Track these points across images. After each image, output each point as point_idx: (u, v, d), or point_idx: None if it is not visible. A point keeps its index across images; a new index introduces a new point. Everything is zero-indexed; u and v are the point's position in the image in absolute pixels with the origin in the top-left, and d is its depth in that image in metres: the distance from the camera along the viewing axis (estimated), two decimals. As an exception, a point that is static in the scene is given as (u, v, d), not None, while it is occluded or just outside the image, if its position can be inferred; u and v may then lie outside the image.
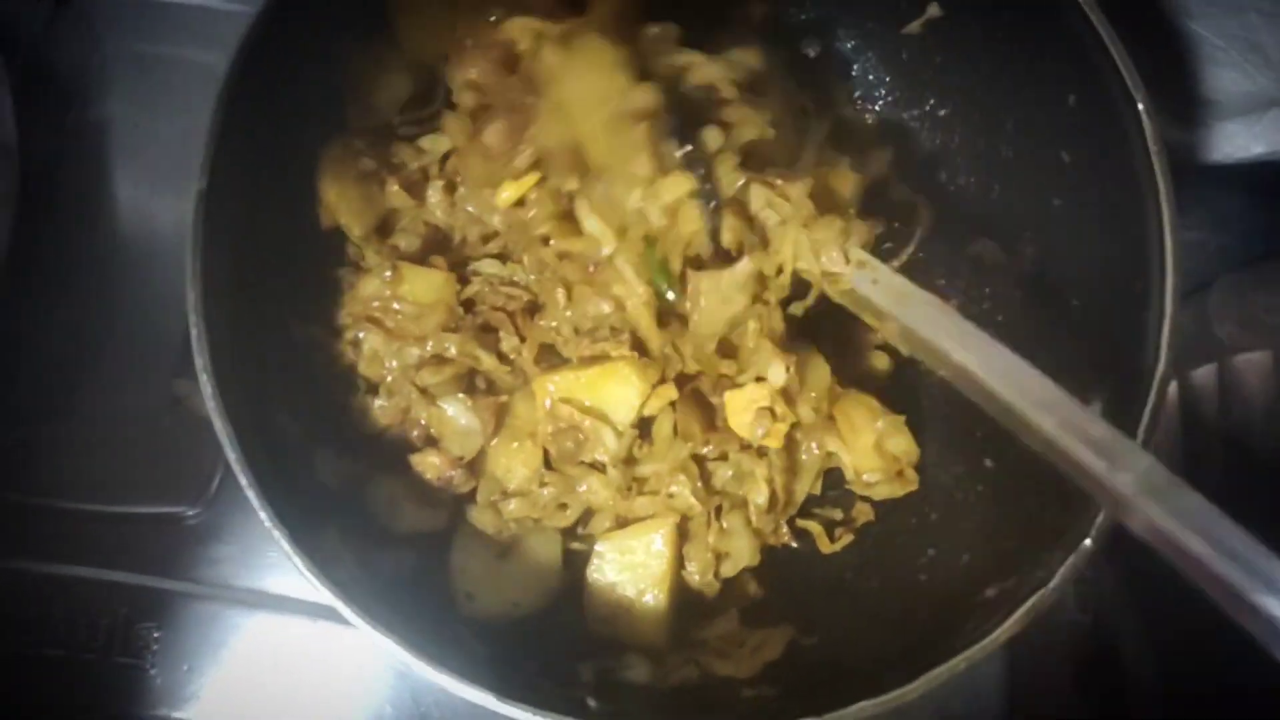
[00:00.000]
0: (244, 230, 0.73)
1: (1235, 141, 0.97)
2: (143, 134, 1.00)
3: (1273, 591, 0.44)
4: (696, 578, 0.78)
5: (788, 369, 0.75)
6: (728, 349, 0.78)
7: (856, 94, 0.93)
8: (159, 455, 0.92)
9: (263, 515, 0.64)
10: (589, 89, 0.67)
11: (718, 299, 0.72)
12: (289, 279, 0.79)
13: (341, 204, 0.79)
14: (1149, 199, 0.68)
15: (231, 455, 0.64)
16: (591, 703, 0.64)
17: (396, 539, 0.77)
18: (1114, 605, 1.01)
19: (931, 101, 0.90)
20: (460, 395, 0.78)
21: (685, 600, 0.79)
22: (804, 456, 0.81)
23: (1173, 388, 1.82)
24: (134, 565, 0.90)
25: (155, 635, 0.89)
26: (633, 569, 0.76)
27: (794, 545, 0.83)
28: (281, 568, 0.90)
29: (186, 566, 0.90)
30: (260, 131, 0.73)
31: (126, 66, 1.02)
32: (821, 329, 0.82)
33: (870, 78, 0.93)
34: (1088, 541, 0.63)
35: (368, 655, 0.88)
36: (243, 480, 0.64)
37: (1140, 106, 0.68)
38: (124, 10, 1.02)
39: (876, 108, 0.93)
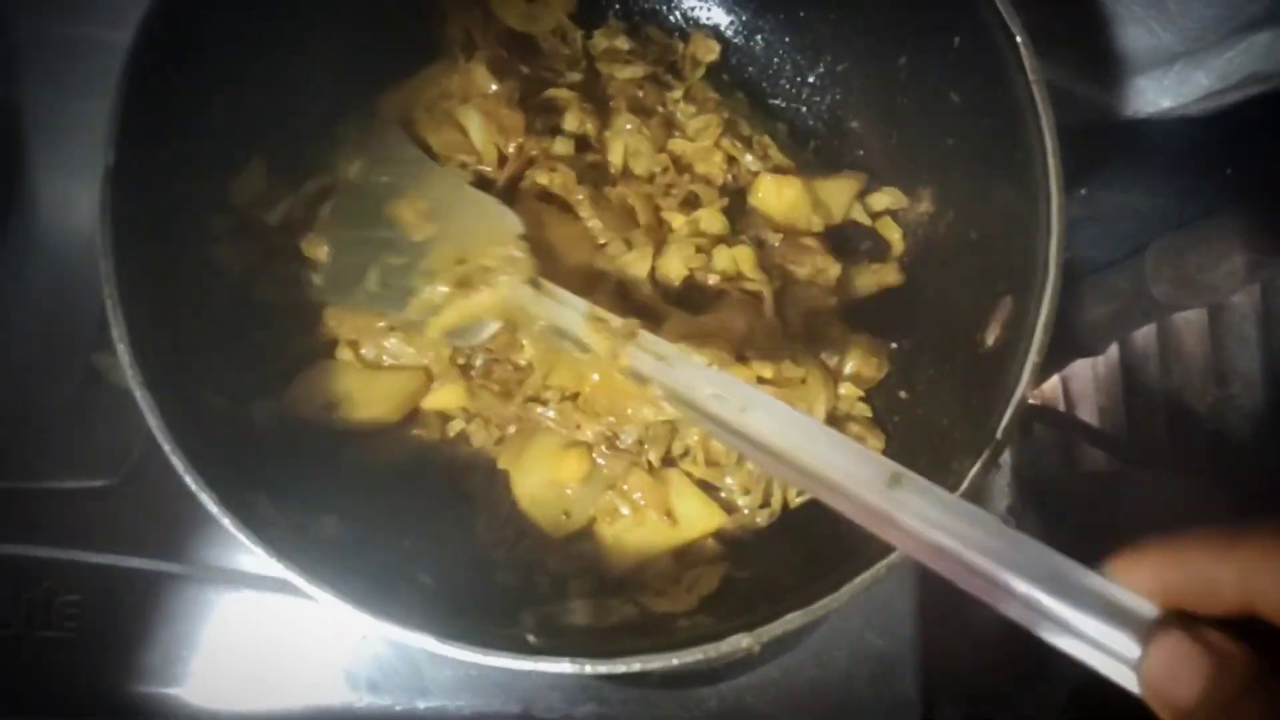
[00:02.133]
0: (157, 201, 0.72)
1: (1145, 97, 1.01)
2: (58, 117, 0.98)
3: (1015, 570, 0.45)
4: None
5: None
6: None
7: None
8: (80, 430, 0.91)
9: (188, 479, 0.63)
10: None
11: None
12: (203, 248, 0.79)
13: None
14: (1030, 126, 0.71)
15: (153, 421, 0.64)
16: (531, 639, 0.65)
17: (332, 507, 0.76)
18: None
19: (829, 58, 0.93)
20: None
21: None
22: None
23: (1114, 351, 1.90)
24: (55, 540, 0.88)
25: (78, 607, 0.88)
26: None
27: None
28: (208, 537, 0.89)
29: (110, 539, 0.88)
30: (171, 101, 0.72)
31: (39, 49, 0.99)
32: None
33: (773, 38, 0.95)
34: (998, 435, 0.66)
35: (289, 621, 0.88)
36: (165, 446, 0.63)
37: (1018, 39, 0.71)
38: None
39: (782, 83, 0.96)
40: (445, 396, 0.79)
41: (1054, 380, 1.83)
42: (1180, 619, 0.41)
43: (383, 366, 0.77)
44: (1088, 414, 1.85)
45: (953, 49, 0.79)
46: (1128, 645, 0.42)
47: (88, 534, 0.88)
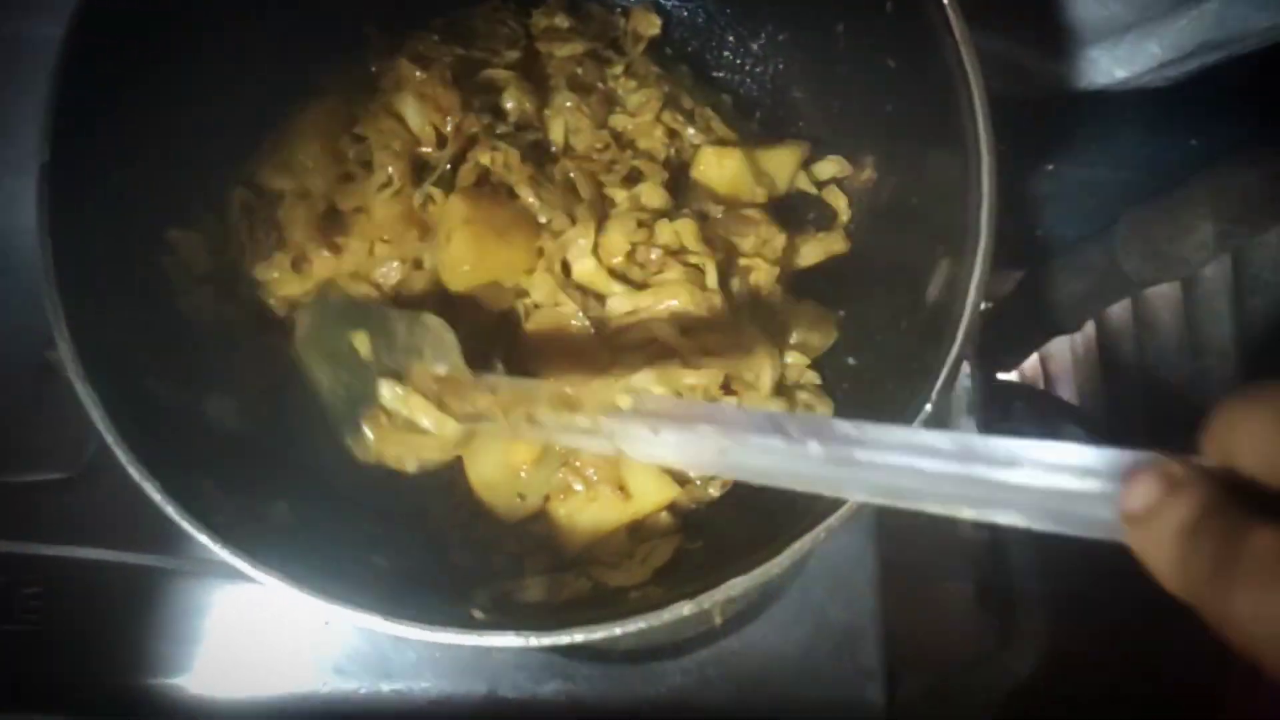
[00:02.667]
0: (98, 200, 0.73)
1: (1099, 67, 1.01)
2: (5, 113, 0.98)
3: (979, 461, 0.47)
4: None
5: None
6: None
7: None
8: (36, 424, 0.92)
9: (131, 470, 0.64)
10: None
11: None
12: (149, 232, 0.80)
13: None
14: (960, 89, 0.72)
15: (94, 412, 0.64)
16: (477, 614, 0.66)
17: (282, 494, 0.77)
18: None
19: (769, 27, 0.93)
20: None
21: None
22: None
23: (1090, 329, 1.91)
24: (13, 533, 0.89)
25: (40, 599, 0.89)
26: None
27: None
28: (167, 526, 0.89)
29: (70, 531, 0.89)
30: (107, 94, 0.72)
31: None
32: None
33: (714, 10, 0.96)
34: (928, 407, 0.67)
35: (251, 608, 0.89)
36: (107, 436, 0.64)
37: (944, 2, 0.72)
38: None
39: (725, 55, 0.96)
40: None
41: (1033, 360, 1.84)
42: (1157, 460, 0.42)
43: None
44: (1066, 392, 1.86)
45: (885, 14, 0.79)
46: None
47: (47, 526, 0.89)
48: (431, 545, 0.79)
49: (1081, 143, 1.21)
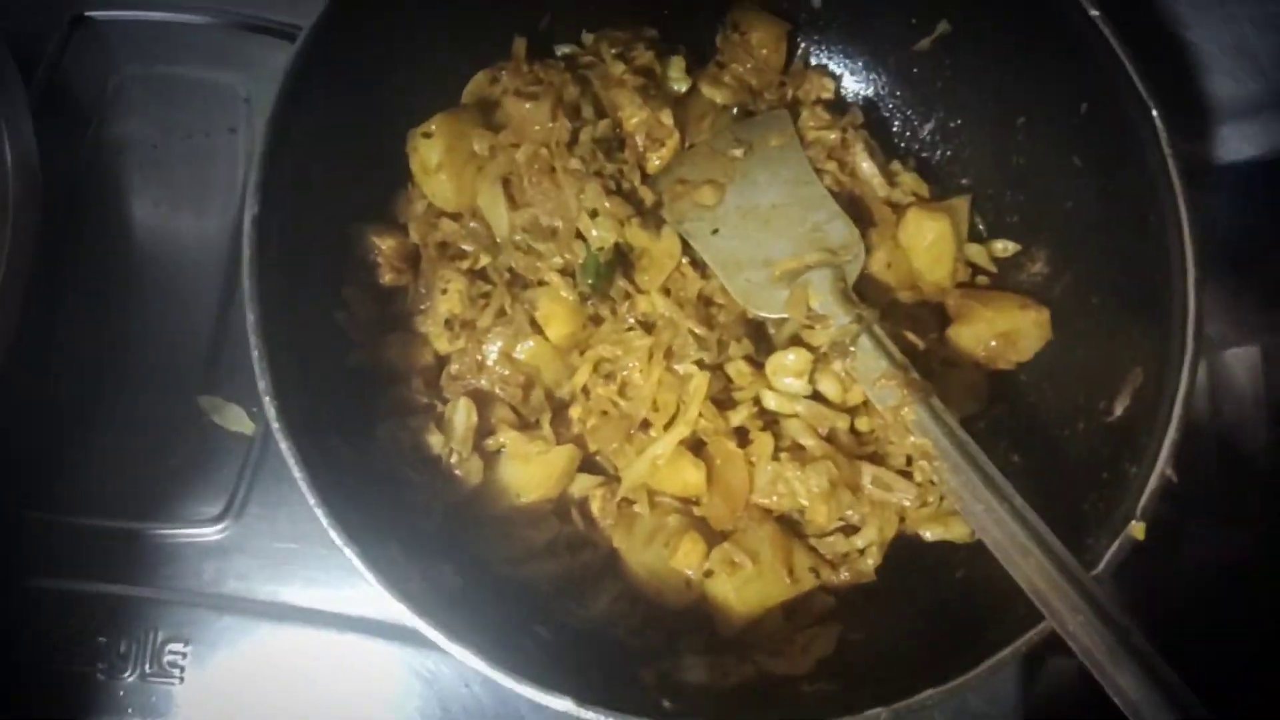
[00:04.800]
0: (293, 248, 0.74)
1: (1229, 145, 1.02)
2: (160, 153, 1.01)
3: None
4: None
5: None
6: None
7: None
8: (183, 471, 0.93)
9: (333, 534, 0.65)
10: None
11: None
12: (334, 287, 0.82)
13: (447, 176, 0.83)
14: (1164, 199, 0.72)
15: (298, 474, 0.66)
16: (666, 704, 0.66)
17: (451, 551, 0.78)
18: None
19: (941, 114, 0.94)
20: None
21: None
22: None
23: None
24: (161, 582, 0.91)
25: (185, 652, 0.89)
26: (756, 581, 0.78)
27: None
28: (307, 579, 0.91)
29: (213, 582, 0.91)
30: (310, 153, 0.75)
31: (142, 86, 1.03)
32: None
33: (884, 92, 0.97)
34: (1134, 523, 0.67)
35: (394, 665, 0.89)
36: (311, 499, 0.65)
37: (1154, 113, 0.73)
38: (138, 31, 1.04)
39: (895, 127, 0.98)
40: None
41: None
42: None
43: (537, 443, 0.80)
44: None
45: (1079, 114, 0.80)
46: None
47: (194, 577, 0.91)
48: (590, 619, 0.79)
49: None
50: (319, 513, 0.65)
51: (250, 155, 0.99)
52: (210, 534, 0.93)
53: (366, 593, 0.90)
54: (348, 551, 0.64)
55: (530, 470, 0.80)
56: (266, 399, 0.67)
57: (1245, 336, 1.19)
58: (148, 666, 0.90)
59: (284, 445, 0.66)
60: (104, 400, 0.96)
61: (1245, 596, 1.21)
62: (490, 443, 0.81)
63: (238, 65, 1.06)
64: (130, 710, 0.89)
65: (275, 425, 0.66)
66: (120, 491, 0.93)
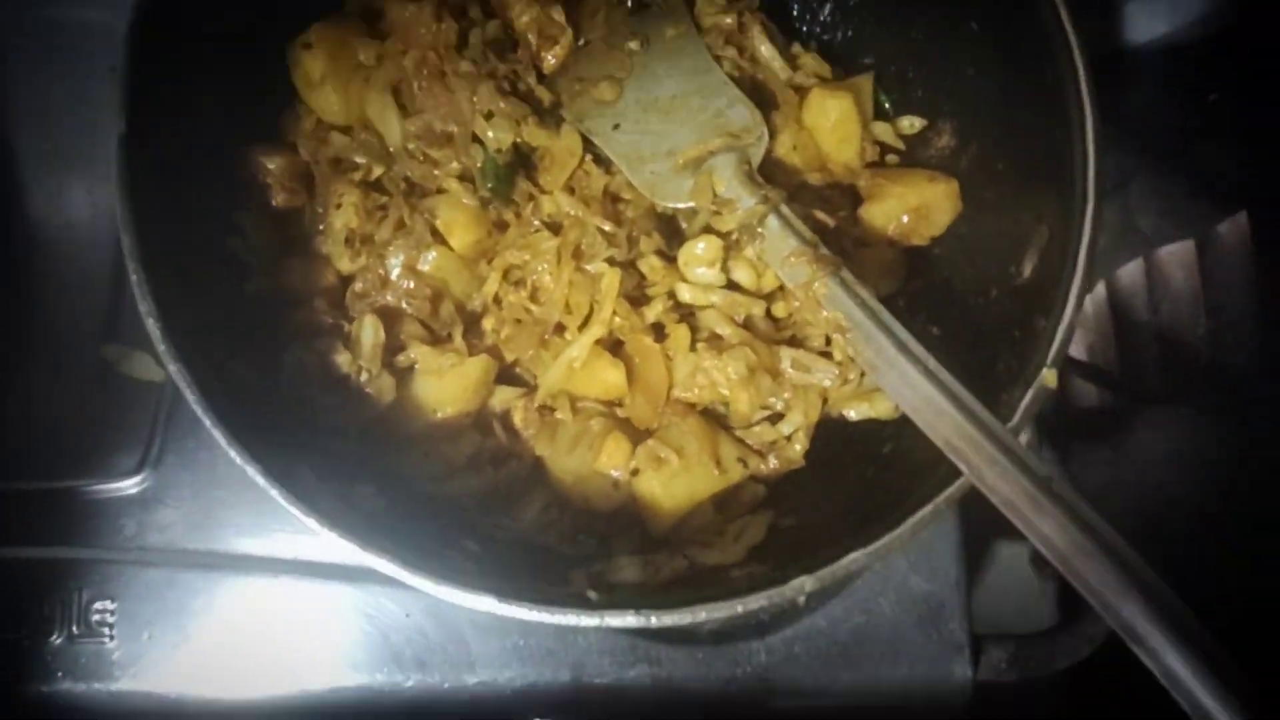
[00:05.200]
0: (172, 175, 0.71)
1: (1137, 24, 1.01)
2: (44, 103, 0.97)
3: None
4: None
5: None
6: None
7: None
8: (94, 426, 0.90)
9: (232, 452, 0.63)
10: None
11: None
12: (225, 211, 0.79)
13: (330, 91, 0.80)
14: (1059, 51, 0.72)
15: (191, 396, 0.63)
16: (591, 595, 0.65)
17: (371, 472, 0.76)
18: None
19: (839, -8, 0.93)
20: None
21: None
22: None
23: (1101, 289, 1.91)
24: (81, 540, 0.89)
25: (112, 609, 0.87)
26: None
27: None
28: (234, 526, 0.89)
29: (135, 536, 0.89)
30: (180, 63, 0.71)
31: (18, 34, 0.98)
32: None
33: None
34: (1046, 370, 0.67)
35: (331, 604, 0.88)
36: (206, 420, 0.63)
37: (1043, -40, 0.72)
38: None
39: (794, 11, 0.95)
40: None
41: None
42: None
43: (449, 356, 0.78)
44: (1078, 351, 1.87)
45: (972, -24, 0.79)
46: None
47: (114, 533, 0.89)
48: (519, 530, 0.78)
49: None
50: (216, 433, 0.63)
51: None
52: (128, 487, 0.90)
53: (295, 535, 0.89)
54: (250, 470, 0.62)
55: (445, 384, 0.79)
56: (149, 321, 0.64)
57: (1178, 228, 1.19)
58: (74, 628, 0.88)
59: (171, 368, 0.63)
60: (4, 361, 0.92)
61: (1188, 477, 1.23)
62: (401, 359, 0.78)
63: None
64: (61, 674, 0.87)
65: (160, 348, 0.63)
66: (30, 452, 0.90)
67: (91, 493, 0.91)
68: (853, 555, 0.64)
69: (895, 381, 0.70)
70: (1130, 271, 1.96)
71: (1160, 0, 1.08)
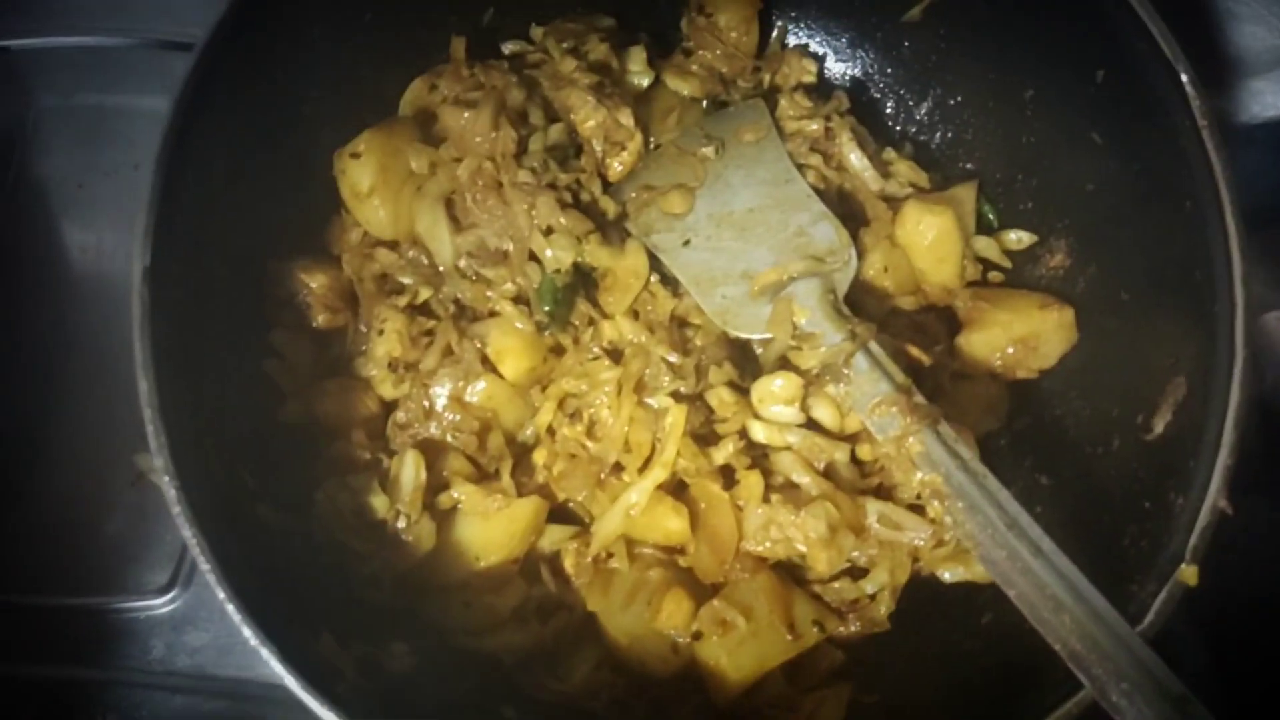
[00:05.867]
0: (197, 305, 0.66)
1: (1263, 100, 0.92)
2: (85, 192, 0.95)
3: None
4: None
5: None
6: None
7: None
8: (125, 538, 0.86)
9: (247, 632, 0.56)
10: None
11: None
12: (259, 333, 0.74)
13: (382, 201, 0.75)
14: (1201, 179, 0.62)
15: (205, 567, 0.57)
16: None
17: (403, 626, 0.69)
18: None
19: (938, 91, 0.84)
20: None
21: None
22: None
23: None
24: (108, 662, 0.84)
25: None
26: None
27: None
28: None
29: (164, 659, 0.84)
30: (219, 186, 0.67)
31: (62, 119, 0.97)
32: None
33: (873, 71, 0.87)
34: (1184, 567, 0.57)
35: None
36: (221, 594, 0.57)
37: (1184, 78, 0.62)
38: (54, 59, 0.97)
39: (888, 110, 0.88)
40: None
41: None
42: None
43: (496, 497, 0.71)
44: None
45: (1094, 83, 0.70)
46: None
47: (142, 654, 0.84)
48: (565, 693, 0.70)
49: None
50: (229, 608, 0.56)
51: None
52: (158, 605, 0.85)
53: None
54: (264, 652, 0.56)
55: (490, 528, 0.72)
56: (165, 479, 0.58)
57: None
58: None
59: (186, 534, 0.57)
60: (33, 468, 0.89)
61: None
62: (444, 499, 0.72)
63: (164, 89, 0.98)
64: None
65: (175, 510, 0.58)
66: (57, 566, 0.86)
67: (120, 611, 0.86)
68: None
69: (1002, 563, 0.60)
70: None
71: None
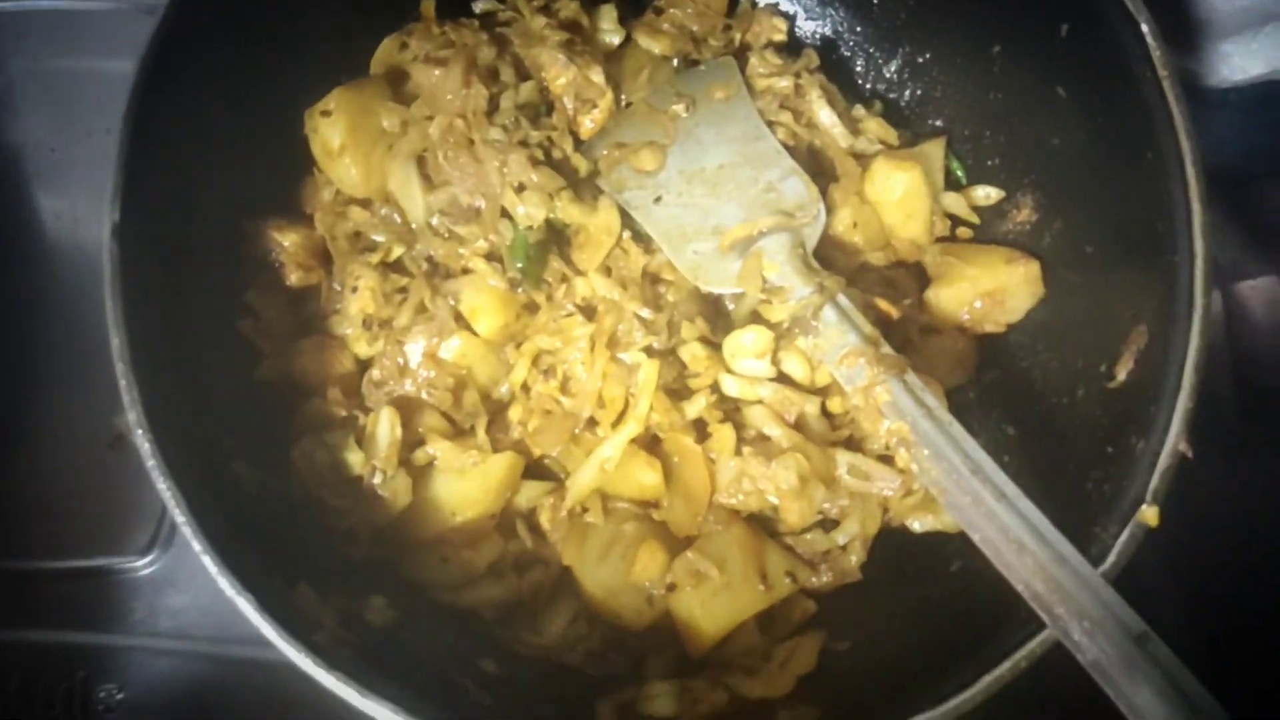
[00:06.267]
0: (169, 263, 0.66)
1: (1232, 63, 0.93)
2: (58, 156, 0.94)
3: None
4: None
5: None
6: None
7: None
8: (104, 500, 0.86)
9: (223, 584, 0.57)
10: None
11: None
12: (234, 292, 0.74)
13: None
14: (1162, 131, 0.64)
15: (181, 519, 0.58)
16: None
17: (382, 581, 0.70)
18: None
19: (907, 49, 0.85)
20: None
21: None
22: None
23: None
24: (89, 624, 0.85)
25: (118, 697, 0.82)
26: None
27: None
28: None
29: (145, 620, 0.85)
30: (189, 145, 0.67)
31: (34, 83, 0.96)
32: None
33: (843, 29, 0.88)
34: (1145, 508, 0.59)
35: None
36: (197, 546, 0.58)
37: (1144, 29, 0.64)
38: (26, 22, 0.97)
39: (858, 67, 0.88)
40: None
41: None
42: None
43: (472, 452, 0.72)
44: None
45: (1059, 37, 0.71)
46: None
47: (123, 616, 0.84)
48: (543, 646, 0.72)
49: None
50: (205, 560, 0.57)
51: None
52: (139, 567, 0.86)
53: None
54: (240, 602, 0.57)
55: (466, 484, 0.73)
56: (139, 432, 0.59)
57: (1259, 265, 1.11)
58: (77, 715, 0.83)
59: (161, 486, 0.58)
60: (9, 433, 0.88)
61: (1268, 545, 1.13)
62: (419, 455, 0.73)
63: (135, 52, 0.97)
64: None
65: (149, 463, 0.58)
66: (36, 528, 0.86)
67: (100, 573, 0.86)
68: (920, 717, 0.56)
69: (967, 508, 0.62)
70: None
71: (1259, 39, 0.99)
